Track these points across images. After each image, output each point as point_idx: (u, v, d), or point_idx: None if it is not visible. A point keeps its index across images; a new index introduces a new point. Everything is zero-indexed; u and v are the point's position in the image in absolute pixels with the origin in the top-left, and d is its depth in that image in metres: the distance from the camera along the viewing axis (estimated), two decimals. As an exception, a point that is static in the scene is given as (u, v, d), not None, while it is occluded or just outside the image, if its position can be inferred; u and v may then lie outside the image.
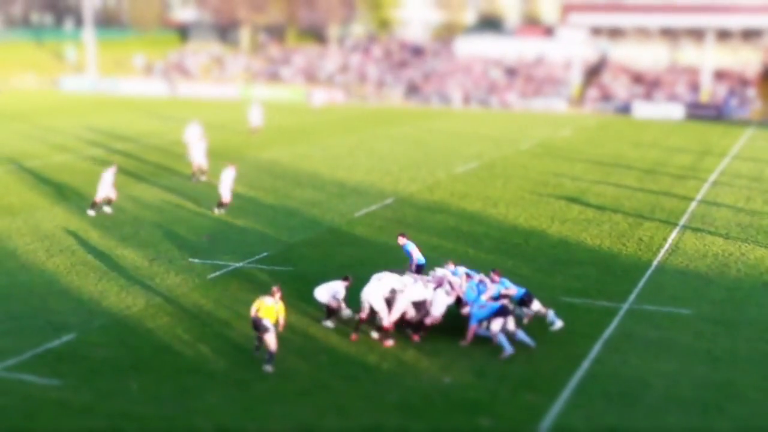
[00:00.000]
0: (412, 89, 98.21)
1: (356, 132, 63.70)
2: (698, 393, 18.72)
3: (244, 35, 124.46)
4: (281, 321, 19.94)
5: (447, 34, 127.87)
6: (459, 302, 21.91)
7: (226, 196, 34.70)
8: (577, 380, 19.19)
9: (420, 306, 21.53)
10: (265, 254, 28.59)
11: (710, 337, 21.86)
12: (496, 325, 20.57)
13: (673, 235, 32.22)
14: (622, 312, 23.54)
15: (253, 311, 19.87)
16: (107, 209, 34.56)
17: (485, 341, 20.87)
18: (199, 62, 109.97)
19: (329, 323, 22.15)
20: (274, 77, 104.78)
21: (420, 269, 23.98)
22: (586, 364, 20.03)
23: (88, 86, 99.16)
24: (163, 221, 33.26)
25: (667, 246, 30.51)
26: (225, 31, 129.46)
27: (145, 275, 26.20)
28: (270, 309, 19.71)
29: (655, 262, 28.33)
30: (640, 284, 25.85)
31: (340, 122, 70.69)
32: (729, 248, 30.36)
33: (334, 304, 22.01)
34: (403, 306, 21.29)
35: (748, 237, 32.12)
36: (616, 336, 21.85)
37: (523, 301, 22.01)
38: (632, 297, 24.69)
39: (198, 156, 42.06)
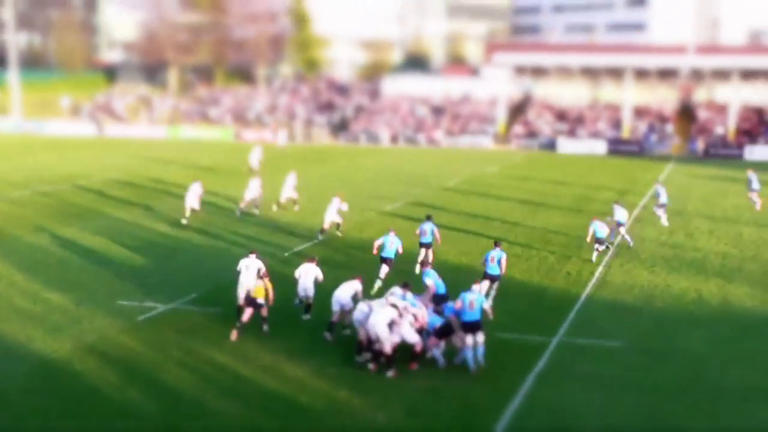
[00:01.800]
0: (340, 128, 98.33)
1: (286, 171, 63.35)
2: (631, 424, 18.73)
3: (172, 76, 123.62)
4: (270, 295, 24.00)
5: (374, 73, 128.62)
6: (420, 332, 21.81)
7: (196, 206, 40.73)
8: (510, 415, 19.07)
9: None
10: (195, 295, 28.06)
11: (640, 369, 21.96)
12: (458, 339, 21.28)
13: (600, 269, 32.48)
14: (552, 345, 23.54)
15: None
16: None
17: (420, 376, 20.67)
18: (127, 103, 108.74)
19: (328, 336, 23.45)
20: (202, 117, 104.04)
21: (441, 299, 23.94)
22: (519, 399, 19.93)
23: (12, 128, 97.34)
24: (91, 263, 32.51)
25: (594, 280, 30.73)
26: (153, 72, 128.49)
27: (72, 318, 25.49)
28: (260, 288, 23.88)
29: (583, 296, 28.49)
30: (570, 317, 25.94)
31: (269, 161, 70.26)
32: (654, 280, 30.70)
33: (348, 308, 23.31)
34: (405, 332, 21.24)
35: (672, 269, 32.53)
36: (548, 370, 21.82)
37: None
38: (562, 330, 24.74)
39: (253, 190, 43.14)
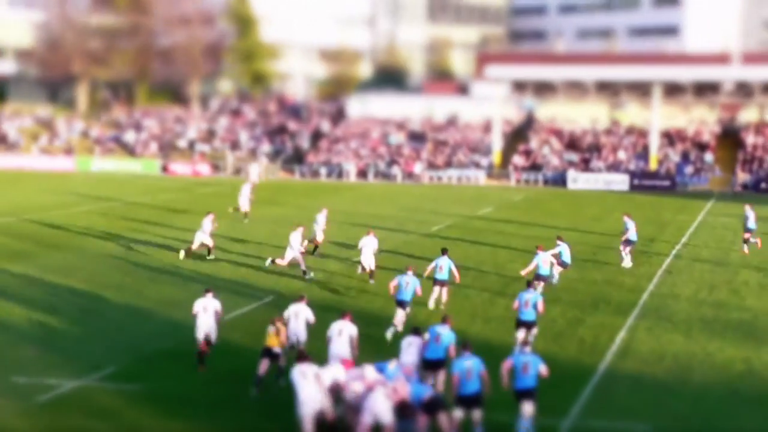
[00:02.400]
0: (296, 159, 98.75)
1: (224, 215, 63.53)
2: None
3: (81, 94, 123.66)
4: (283, 339, 26.27)
5: (337, 91, 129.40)
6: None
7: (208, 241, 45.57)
8: None
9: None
10: (111, 369, 28.01)
11: (673, 459, 22.13)
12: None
13: (623, 333, 32.68)
14: (563, 429, 23.65)
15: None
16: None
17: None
18: (22, 127, 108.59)
19: None
20: (119, 146, 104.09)
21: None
22: (522, 498, 20.01)
23: None
24: (-23, 330, 32.39)
25: (615, 347, 30.92)
26: (56, 88, 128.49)
27: (-47, 400, 25.38)
28: (272, 336, 26.06)
29: (601, 368, 28.65)
30: (584, 395, 26.07)
31: (203, 202, 70.28)
32: (691, 348, 30.93)
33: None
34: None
35: (714, 334, 32.81)
36: (558, 461, 21.95)
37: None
38: (575, 411, 24.86)
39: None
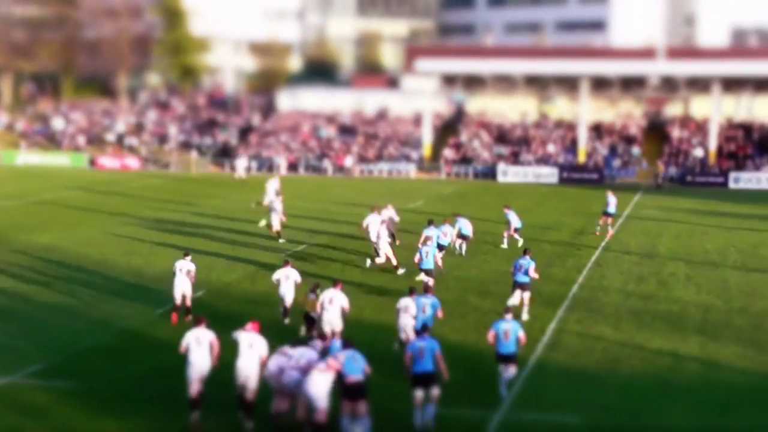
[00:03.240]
0: (225, 153, 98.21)
1: (156, 209, 63.04)
2: None
3: (5, 86, 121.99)
4: (318, 309, 28.72)
5: (268, 84, 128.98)
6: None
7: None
8: None
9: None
10: (39, 366, 27.66)
11: (604, 450, 22.33)
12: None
13: (553, 325, 32.90)
14: (494, 422, 23.75)
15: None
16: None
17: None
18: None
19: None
20: (46, 139, 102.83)
21: None
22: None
23: None
24: None
25: (545, 339, 31.11)
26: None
27: None
28: (312, 303, 29.26)
29: (532, 360, 28.80)
30: (516, 388, 26.20)
31: (133, 196, 69.74)
32: (620, 340, 31.20)
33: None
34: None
35: (642, 326, 33.15)
36: (491, 453, 22.03)
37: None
38: (506, 404, 24.98)
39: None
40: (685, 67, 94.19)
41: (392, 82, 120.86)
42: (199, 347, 23.21)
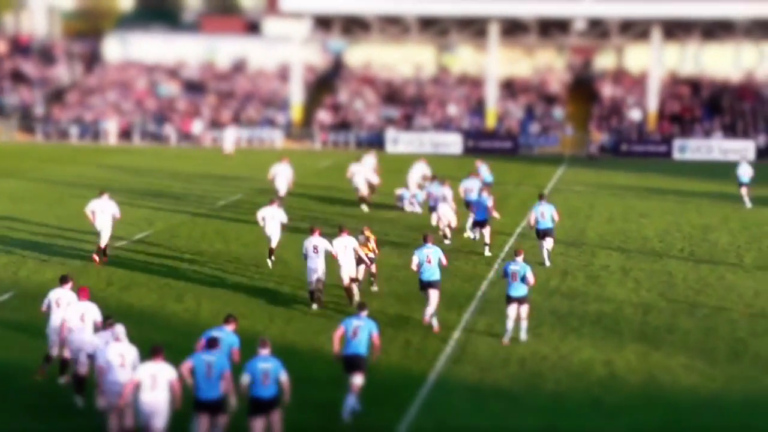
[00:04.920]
0: (32, 117, 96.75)
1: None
2: None
3: None
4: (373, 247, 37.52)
5: (90, 27, 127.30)
6: None
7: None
8: None
9: None
10: None
11: (522, 488, 22.54)
12: None
13: (458, 333, 33.02)
14: (386, 455, 23.90)
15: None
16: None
17: None
18: None
19: None
20: None
21: None
22: None
23: None
24: None
25: (448, 350, 31.20)
26: None
27: None
28: (364, 246, 36.89)
29: (432, 376, 28.88)
30: (412, 410, 26.26)
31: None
32: (541, 350, 31.45)
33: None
34: None
35: (568, 331, 33.49)
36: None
37: None
38: (401, 430, 25.06)
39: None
40: (618, 8, 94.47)
41: (252, 27, 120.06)
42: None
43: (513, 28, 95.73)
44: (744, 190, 60.41)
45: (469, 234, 47.97)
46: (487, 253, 44.74)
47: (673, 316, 35.50)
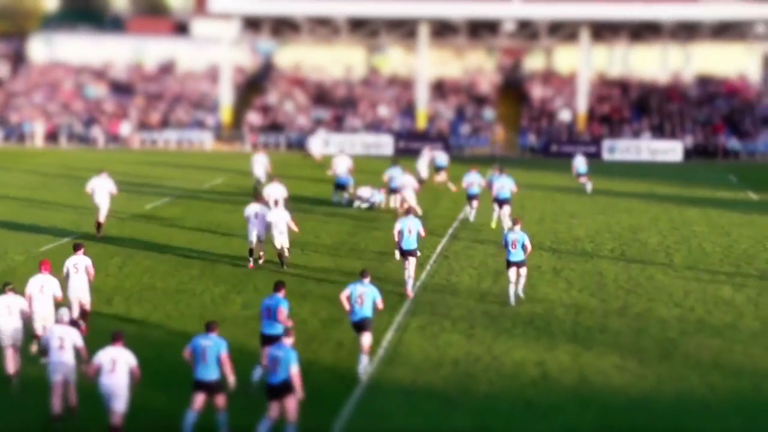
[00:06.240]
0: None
1: None
2: None
3: None
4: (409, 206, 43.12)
5: (13, 27, 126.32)
6: None
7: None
8: None
9: None
10: None
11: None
12: None
13: (390, 334, 32.98)
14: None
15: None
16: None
17: None
18: None
19: None
20: None
21: None
22: None
23: None
24: None
25: (381, 352, 31.13)
26: None
27: None
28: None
29: (365, 378, 28.89)
30: (345, 412, 26.20)
31: None
32: (474, 351, 31.46)
33: None
34: None
35: (500, 332, 33.53)
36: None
37: None
38: (334, 433, 25.07)
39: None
40: (546, 9, 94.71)
41: (180, 27, 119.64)
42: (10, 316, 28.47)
43: (443, 30, 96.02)
44: (583, 180, 66.35)
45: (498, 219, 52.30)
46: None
47: (605, 317, 35.67)
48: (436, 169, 68.94)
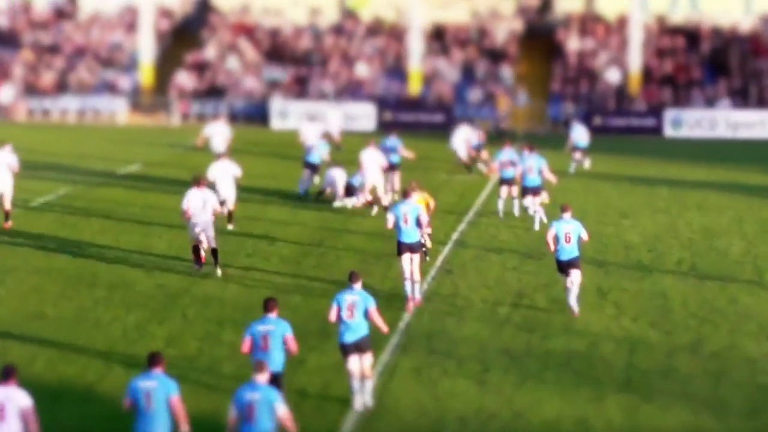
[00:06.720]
0: None
1: None
2: None
3: None
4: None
5: None
6: None
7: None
8: None
9: None
10: None
11: None
12: None
13: (372, 380, 32.79)
14: None
15: None
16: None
17: None
18: None
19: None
20: None
21: None
22: None
23: None
24: None
25: (355, 409, 30.95)
26: None
27: None
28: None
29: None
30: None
31: None
32: (490, 403, 31.23)
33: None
34: None
35: (527, 377, 33.28)
36: None
37: None
38: None
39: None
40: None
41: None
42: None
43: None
44: (579, 156, 70.59)
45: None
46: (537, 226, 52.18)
47: (670, 356, 35.34)
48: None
